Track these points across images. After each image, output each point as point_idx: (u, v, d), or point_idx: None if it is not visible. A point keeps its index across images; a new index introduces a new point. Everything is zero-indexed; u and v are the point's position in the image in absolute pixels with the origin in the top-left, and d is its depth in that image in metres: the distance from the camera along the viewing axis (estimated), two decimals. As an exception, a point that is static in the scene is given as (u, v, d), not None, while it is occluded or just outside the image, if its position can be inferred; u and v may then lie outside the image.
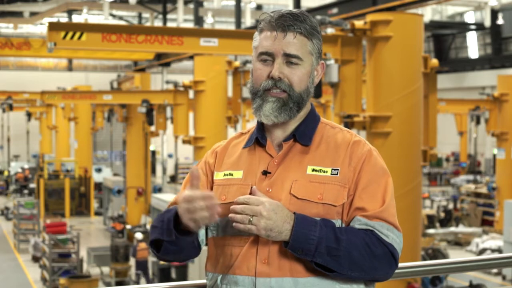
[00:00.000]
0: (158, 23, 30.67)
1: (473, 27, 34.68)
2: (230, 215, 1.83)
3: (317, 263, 1.83)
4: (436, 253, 16.84)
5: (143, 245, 16.64)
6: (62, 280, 15.31)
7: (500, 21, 31.52)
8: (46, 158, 32.96)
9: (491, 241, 19.07)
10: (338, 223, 1.90)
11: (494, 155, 28.01)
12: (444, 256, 16.74)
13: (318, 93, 11.47)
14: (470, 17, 35.40)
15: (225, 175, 2.02)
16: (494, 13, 31.03)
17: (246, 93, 14.61)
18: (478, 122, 23.21)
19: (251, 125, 2.14)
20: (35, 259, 19.01)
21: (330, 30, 10.96)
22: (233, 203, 1.86)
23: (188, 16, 29.63)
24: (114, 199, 24.71)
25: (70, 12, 34.05)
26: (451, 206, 25.09)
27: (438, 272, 3.26)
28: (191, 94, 17.88)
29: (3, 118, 36.91)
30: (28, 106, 31.81)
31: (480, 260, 2.99)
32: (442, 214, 23.29)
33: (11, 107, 24.17)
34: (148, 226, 19.41)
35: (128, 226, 20.89)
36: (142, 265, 16.46)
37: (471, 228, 21.90)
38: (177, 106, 18.18)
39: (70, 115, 30.49)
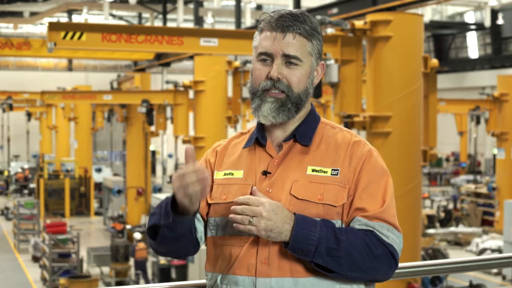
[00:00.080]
0: (158, 23, 30.67)
1: (473, 27, 34.68)
2: (230, 215, 1.83)
3: (317, 263, 1.83)
4: (436, 253, 16.85)
5: (141, 245, 16.65)
6: (62, 280, 15.31)
7: (500, 21, 31.52)
8: (46, 158, 32.96)
9: (491, 241, 19.08)
10: (338, 223, 1.89)
11: (494, 155, 28.01)
12: (444, 256, 16.74)
13: (318, 93, 11.47)
14: (470, 17, 35.41)
15: (225, 174, 2.01)
16: (494, 13, 31.03)
17: (246, 93, 14.61)
18: (478, 122, 23.21)
19: (251, 125, 2.13)
20: (35, 259, 19.01)
21: (330, 30, 10.96)
22: (233, 202, 1.87)
23: (188, 16, 29.63)
24: (114, 199, 24.72)
25: (70, 12, 34.06)
26: (451, 206, 25.09)
27: (438, 272, 3.26)
28: (191, 94, 17.88)
29: (3, 118, 36.92)
30: (28, 106, 31.82)
31: (480, 260, 2.99)
32: (442, 214, 23.30)
33: (11, 107, 24.18)
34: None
35: (128, 226, 20.89)
36: (141, 265, 16.47)
37: (471, 228, 21.90)
38: (177, 106, 18.18)
39: (70, 115, 30.50)
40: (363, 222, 1.88)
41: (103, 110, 30.06)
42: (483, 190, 23.44)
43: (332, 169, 1.92)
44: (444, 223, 22.70)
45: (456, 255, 17.95)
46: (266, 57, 1.95)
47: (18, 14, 31.66)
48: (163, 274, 15.62)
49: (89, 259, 17.97)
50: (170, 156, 33.11)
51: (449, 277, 14.76)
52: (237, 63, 15.64)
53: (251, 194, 1.88)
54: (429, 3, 13.06)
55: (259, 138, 2.01)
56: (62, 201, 27.53)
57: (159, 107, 19.70)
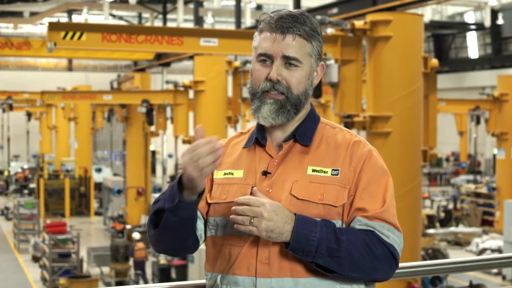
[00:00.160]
0: (158, 23, 30.66)
1: (473, 27, 34.68)
2: (231, 216, 1.83)
3: (317, 263, 1.83)
4: (436, 253, 16.85)
5: (140, 244, 16.65)
6: (62, 280, 15.32)
7: (500, 21, 31.52)
8: (46, 158, 32.97)
9: (491, 241, 19.08)
10: (338, 223, 1.89)
11: (494, 155, 28.00)
12: (444, 256, 16.75)
13: (318, 93, 11.47)
14: (470, 17, 35.41)
15: (225, 174, 2.01)
16: (494, 13, 31.02)
17: (246, 93, 14.61)
18: (478, 122, 23.21)
19: (251, 125, 2.13)
20: (35, 259, 19.01)
21: (330, 30, 10.96)
22: (233, 202, 1.86)
23: (188, 16, 29.62)
24: (114, 199, 24.72)
25: (70, 12, 34.05)
26: (451, 206, 25.10)
27: (438, 272, 3.26)
28: (191, 94, 17.88)
29: (3, 118, 36.92)
30: (28, 106, 31.82)
31: (480, 260, 2.99)
32: (442, 214, 23.30)
33: (11, 107, 24.19)
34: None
35: (128, 226, 20.89)
36: (139, 265, 16.47)
37: (471, 228, 21.91)
38: (177, 106, 18.19)
39: (70, 115, 30.50)
40: (364, 222, 1.88)
41: (103, 110, 30.06)
42: (483, 190, 23.45)
43: (332, 169, 1.92)
44: (444, 223, 22.70)
45: (456, 255, 17.95)
46: (265, 58, 1.95)
47: (18, 14, 31.65)
48: (163, 274, 15.63)
49: (89, 259, 17.97)
50: (170, 156, 33.06)
51: (449, 277, 14.76)
52: (237, 63, 15.64)
53: (251, 194, 1.88)
54: (429, 3, 13.06)
55: (259, 138, 2.01)
56: (62, 201, 27.54)
57: (159, 107, 19.70)
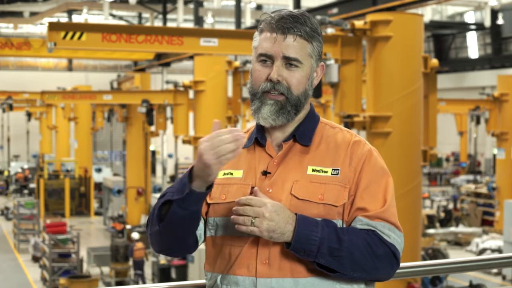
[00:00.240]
0: (158, 23, 30.66)
1: (473, 27, 34.68)
2: (232, 216, 1.82)
3: (319, 263, 1.83)
4: (436, 253, 16.85)
5: (139, 244, 16.66)
6: (62, 280, 15.32)
7: (500, 21, 31.52)
8: (46, 158, 32.97)
9: (491, 241, 19.08)
10: (339, 223, 1.89)
11: (494, 155, 28.01)
12: (444, 256, 16.75)
13: (318, 93, 11.48)
14: (470, 17, 35.40)
15: (224, 174, 2.00)
16: (494, 13, 31.02)
17: (246, 93, 14.61)
18: (478, 122, 23.22)
19: (251, 125, 2.13)
20: (35, 259, 19.02)
21: (330, 30, 10.96)
22: (233, 202, 1.86)
23: (188, 16, 29.62)
24: (114, 199, 24.72)
25: (70, 12, 34.06)
26: (451, 206, 25.10)
27: (438, 272, 3.26)
28: (191, 94, 17.88)
29: (3, 118, 36.92)
30: (28, 106, 31.82)
31: (480, 260, 2.99)
32: (442, 214, 23.30)
33: (11, 107, 24.19)
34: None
35: (128, 226, 20.89)
36: (138, 265, 16.47)
37: (471, 228, 21.91)
38: (177, 106, 18.19)
39: (70, 115, 30.51)
40: (365, 221, 1.88)
41: (103, 110, 30.06)
42: (483, 190, 23.45)
43: (333, 169, 1.92)
44: (444, 223, 22.70)
45: (456, 255, 17.95)
46: (266, 58, 1.94)
47: (18, 14, 31.66)
48: (163, 274, 15.63)
49: (89, 259, 17.97)
50: (170, 156, 33.06)
51: (449, 277, 14.76)
52: (237, 63, 15.64)
53: (251, 194, 1.87)
54: (429, 3, 13.06)
55: (259, 138, 2.01)
56: (62, 201, 27.54)
57: (159, 107, 19.70)
